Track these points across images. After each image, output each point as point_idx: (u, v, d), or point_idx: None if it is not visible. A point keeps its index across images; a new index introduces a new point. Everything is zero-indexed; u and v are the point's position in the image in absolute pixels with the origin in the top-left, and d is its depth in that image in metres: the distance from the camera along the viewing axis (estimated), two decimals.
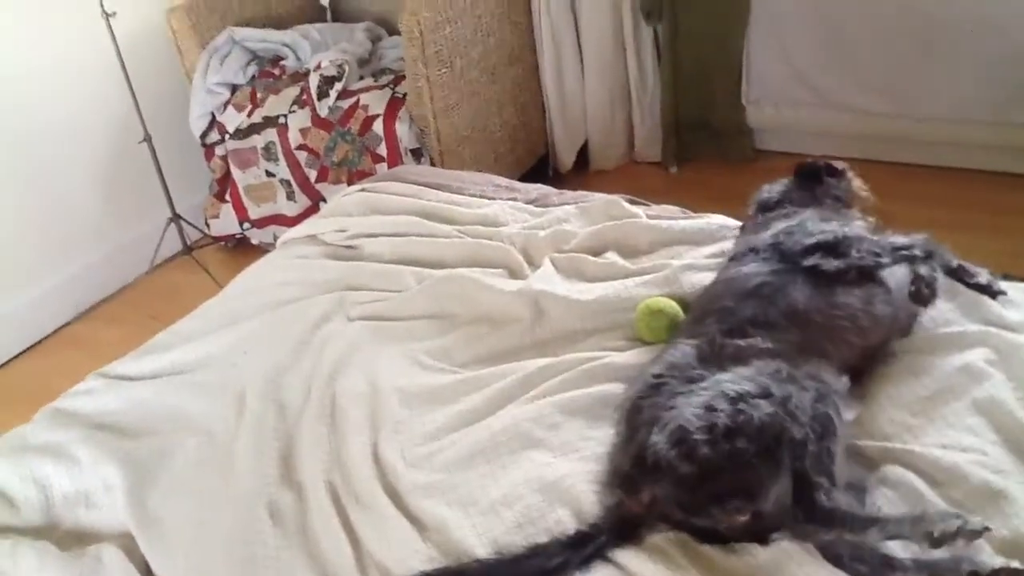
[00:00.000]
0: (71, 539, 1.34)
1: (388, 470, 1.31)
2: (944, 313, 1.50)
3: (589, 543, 1.12)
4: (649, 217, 1.92)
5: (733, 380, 1.16)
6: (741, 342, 1.27)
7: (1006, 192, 3.04)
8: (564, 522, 1.17)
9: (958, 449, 1.23)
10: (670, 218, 1.93)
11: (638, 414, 1.20)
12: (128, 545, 1.27)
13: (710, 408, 1.12)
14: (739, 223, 1.87)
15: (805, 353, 1.25)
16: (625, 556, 1.11)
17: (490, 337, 1.61)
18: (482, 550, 1.14)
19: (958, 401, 1.32)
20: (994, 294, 1.51)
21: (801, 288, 1.36)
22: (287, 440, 1.40)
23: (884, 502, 1.15)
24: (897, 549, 1.09)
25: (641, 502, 1.14)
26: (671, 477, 1.10)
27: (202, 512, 1.29)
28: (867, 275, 1.40)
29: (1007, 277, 2.40)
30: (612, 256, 1.75)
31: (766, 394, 1.13)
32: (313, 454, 1.33)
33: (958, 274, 1.55)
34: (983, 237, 2.76)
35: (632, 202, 2.01)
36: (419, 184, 2.17)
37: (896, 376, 1.38)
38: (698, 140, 3.57)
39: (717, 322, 1.32)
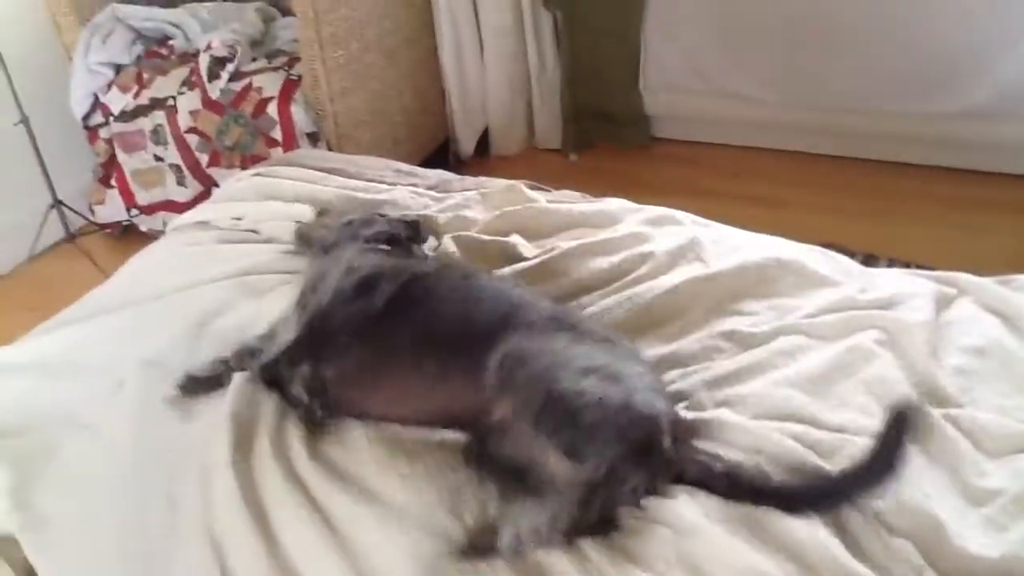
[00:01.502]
0: None
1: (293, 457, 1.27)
2: (833, 296, 1.55)
3: None
4: (549, 202, 1.92)
5: None
6: None
7: (892, 180, 3.18)
8: None
9: (851, 430, 1.26)
10: (570, 202, 1.94)
11: None
12: (6, 549, 1.20)
13: None
14: (637, 206, 1.90)
15: None
16: None
17: None
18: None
19: (848, 380, 1.37)
20: None
21: None
22: (185, 428, 1.34)
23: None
24: None
25: None
26: None
27: (92, 507, 1.23)
28: None
29: (891, 263, 2.52)
30: (516, 239, 1.74)
31: None
32: (218, 441, 1.27)
33: None
34: (870, 223, 2.89)
35: (533, 187, 2.01)
36: (316, 169, 2.12)
37: (787, 356, 1.42)
38: (597, 127, 3.61)
39: None
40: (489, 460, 1.20)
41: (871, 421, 1.26)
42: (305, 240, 1.68)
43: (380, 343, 1.32)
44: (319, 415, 1.30)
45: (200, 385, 1.38)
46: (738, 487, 1.16)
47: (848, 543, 1.09)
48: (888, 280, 1.63)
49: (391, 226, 1.58)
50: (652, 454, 1.17)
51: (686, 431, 1.26)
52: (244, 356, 1.40)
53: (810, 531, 1.09)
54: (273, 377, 1.36)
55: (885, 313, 1.48)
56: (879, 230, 2.83)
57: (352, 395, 1.31)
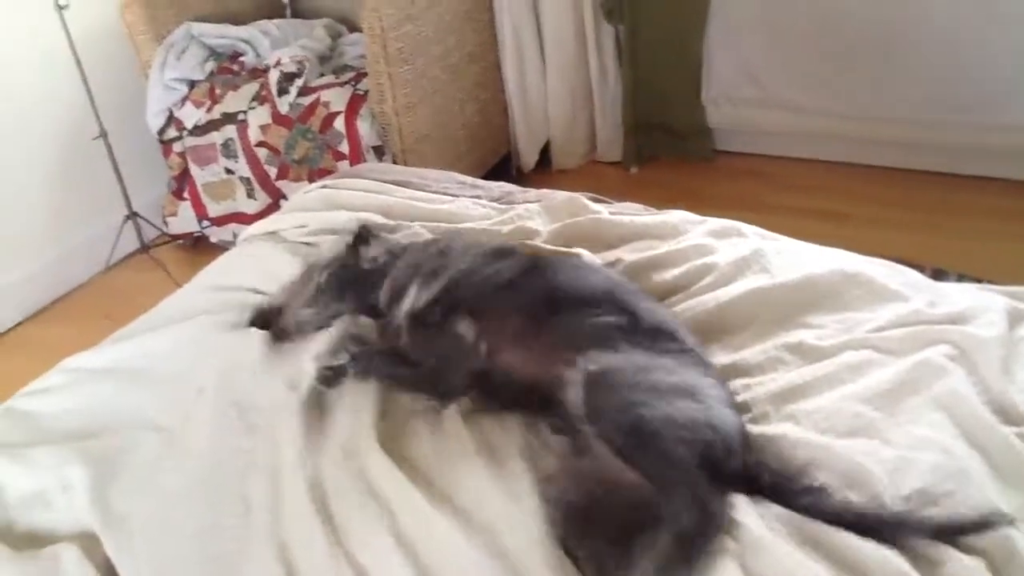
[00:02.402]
0: (26, 540, 1.30)
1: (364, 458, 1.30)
2: (902, 310, 1.53)
3: None
4: (612, 214, 1.93)
5: None
6: None
7: (957, 193, 3.11)
8: None
9: (921, 446, 1.24)
10: (633, 214, 1.94)
11: None
12: (87, 545, 1.24)
13: None
14: (700, 218, 1.90)
15: None
16: None
17: None
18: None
19: (918, 396, 1.35)
20: None
21: None
22: (261, 433, 1.37)
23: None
24: None
25: None
26: None
27: (167, 509, 1.26)
28: None
29: (961, 278, 2.47)
30: (580, 250, 1.75)
31: None
32: (291, 448, 1.31)
33: None
34: (937, 237, 2.83)
35: (594, 199, 2.01)
36: (382, 181, 2.16)
37: (854, 370, 1.40)
38: (658, 140, 3.60)
39: None
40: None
41: (941, 437, 1.24)
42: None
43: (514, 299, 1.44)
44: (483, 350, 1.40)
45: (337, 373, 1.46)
46: (816, 508, 1.15)
47: (917, 562, 1.07)
48: (959, 294, 1.60)
49: None
50: (727, 470, 1.18)
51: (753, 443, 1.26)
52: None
53: (876, 549, 1.08)
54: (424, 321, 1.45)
55: (956, 328, 1.45)
56: (945, 244, 2.77)
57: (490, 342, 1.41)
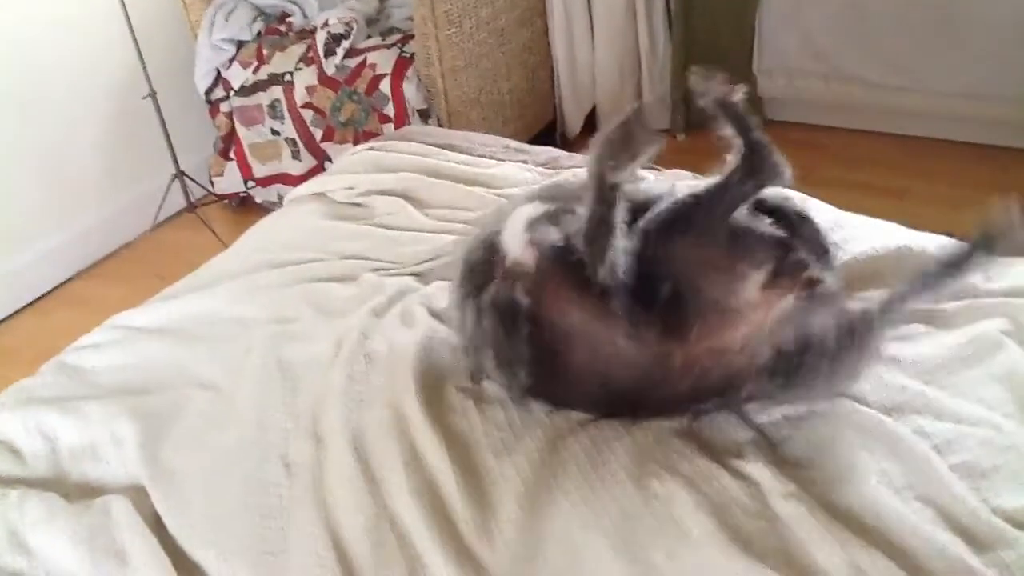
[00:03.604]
0: (78, 492, 1.32)
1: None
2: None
3: None
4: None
5: None
6: None
7: (1013, 166, 3.02)
8: None
9: (970, 421, 1.22)
10: (681, 180, 1.91)
11: None
12: (136, 498, 1.26)
13: None
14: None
15: None
16: None
17: None
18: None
19: (971, 370, 1.32)
20: None
21: None
22: (305, 394, 1.38)
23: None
24: None
25: None
26: None
27: (215, 464, 1.28)
28: None
29: None
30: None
31: None
32: (337, 409, 1.32)
33: None
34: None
35: (643, 167, 1.99)
36: (428, 144, 2.15)
37: (903, 343, 1.37)
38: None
39: None
40: None
41: (990, 413, 1.21)
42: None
43: None
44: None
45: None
46: None
47: (968, 540, 1.06)
48: (1016, 269, 1.55)
49: None
50: None
51: None
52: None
53: (924, 529, 1.06)
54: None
55: (1013, 301, 1.41)
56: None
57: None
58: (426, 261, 1.71)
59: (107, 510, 1.25)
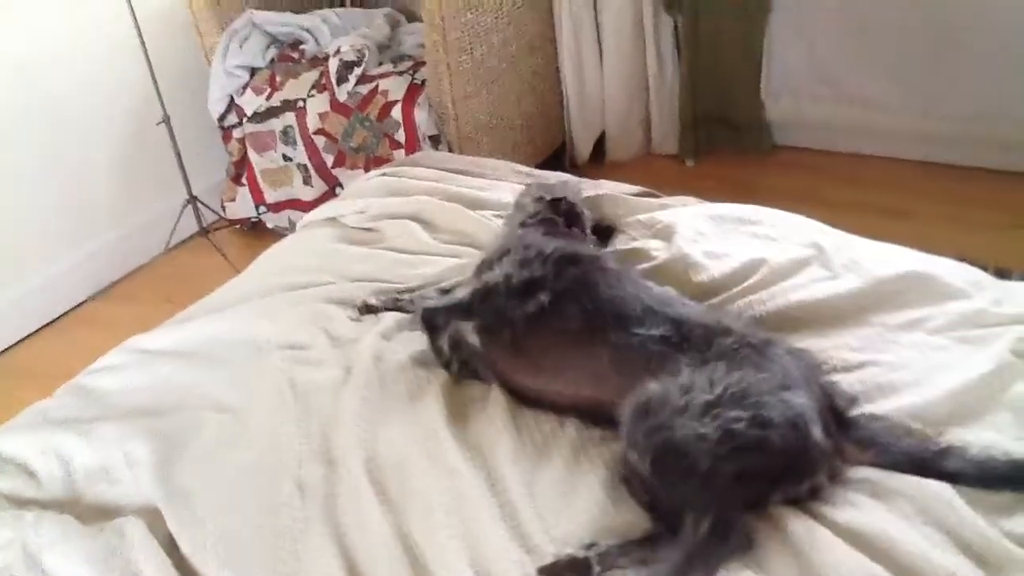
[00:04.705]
0: (93, 513, 1.34)
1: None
2: (966, 308, 1.49)
3: None
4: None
5: None
6: None
7: (1020, 191, 3.03)
8: None
9: (981, 447, 1.22)
10: (688, 206, 1.93)
11: None
12: (150, 520, 1.28)
13: None
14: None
15: None
16: None
17: None
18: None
19: (982, 394, 1.31)
20: None
21: None
22: (318, 416, 1.40)
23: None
24: None
25: None
26: None
27: (229, 487, 1.30)
28: None
29: None
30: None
31: None
32: (351, 431, 1.33)
33: None
34: (1006, 238, 2.76)
35: (646, 194, 2.01)
36: (439, 169, 2.17)
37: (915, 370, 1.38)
38: (716, 133, 3.56)
39: None
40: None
41: (1002, 437, 1.22)
42: (518, 207, 1.75)
43: (539, 329, 1.40)
44: (454, 369, 1.45)
45: (371, 310, 1.65)
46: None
47: (978, 563, 1.06)
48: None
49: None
50: (801, 458, 1.16)
51: (849, 402, 1.28)
52: (418, 300, 1.61)
53: (934, 553, 1.06)
54: (431, 324, 1.48)
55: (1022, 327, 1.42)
56: (1008, 244, 2.70)
57: (503, 367, 1.42)
58: (430, 284, 1.73)
59: (122, 532, 1.26)
